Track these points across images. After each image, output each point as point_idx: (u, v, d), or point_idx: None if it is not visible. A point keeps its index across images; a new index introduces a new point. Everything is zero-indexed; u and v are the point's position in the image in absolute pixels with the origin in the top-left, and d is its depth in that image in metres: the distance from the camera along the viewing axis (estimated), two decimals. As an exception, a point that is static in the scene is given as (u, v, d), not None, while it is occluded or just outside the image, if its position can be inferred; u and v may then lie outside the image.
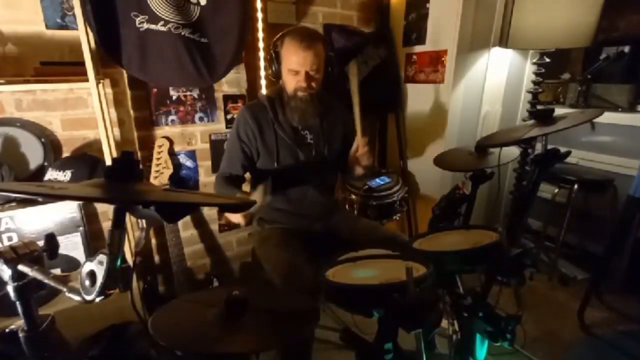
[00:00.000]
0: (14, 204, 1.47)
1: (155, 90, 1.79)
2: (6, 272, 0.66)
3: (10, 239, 1.47)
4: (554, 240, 2.32)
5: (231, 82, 1.99)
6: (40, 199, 1.45)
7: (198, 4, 1.70)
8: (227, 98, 2.00)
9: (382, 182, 2.16)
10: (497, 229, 1.06)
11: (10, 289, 0.67)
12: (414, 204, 2.50)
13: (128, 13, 1.55)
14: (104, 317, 1.55)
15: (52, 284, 0.65)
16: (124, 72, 1.68)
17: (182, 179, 1.96)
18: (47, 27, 1.51)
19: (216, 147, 2.02)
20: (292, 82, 1.39)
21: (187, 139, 1.95)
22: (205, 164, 2.03)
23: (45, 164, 1.56)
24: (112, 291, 0.62)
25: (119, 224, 0.63)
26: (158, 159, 1.78)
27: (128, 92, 1.74)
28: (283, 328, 0.82)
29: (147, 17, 1.59)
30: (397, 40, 2.40)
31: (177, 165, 1.93)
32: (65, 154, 1.65)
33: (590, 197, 2.27)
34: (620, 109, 2.28)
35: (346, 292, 0.86)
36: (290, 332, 0.82)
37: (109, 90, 1.69)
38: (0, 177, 1.42)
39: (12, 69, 1.46)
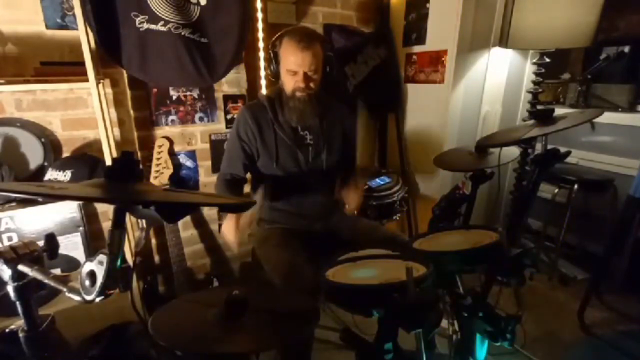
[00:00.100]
0: (14, 204, 1.47)
1: (155, 90, 1.79)
2: (6, 272, 0.66)
3: (10, 239, 1.47)
4: (554, 240, 2.32)
5: (231, 82, 1.99)
6: (40, 199, 1.45)
7: (198, 4, 1.70)
8: (227, 98, 2.00)
9: (382, 182, 2.16)
10: (497, 229, 1.06)
11: (10, 289, 0.67)
12: (414, 204, 2.50)
13: (128, 13, 1.56)
14: (104, 317, 1.55)
15: (52, 284, 0.65)
16: (124, 72, 1.68)
17: (182, 179, 1.96)
18: (47, 27, 1.51)
19: (216, 147, 2.02)
20: (290, 83, 1.39)
21: (187, 139, 1.95)
22: (205, 164, 2.03)
23: (45, 164, 1.56)
24: (112, 291, 0.62)
25: (119, 224, 0.63)
26: (158, 159, 1.78)
27: (128, 92, 1.74)
28: (283, 328, 0.82)
29: (147, 17, 1.59)
30: (397, 40, 2.40)
31: (177, 165, 1.93)
32: (65, 154, 1.65)
33: (590, 197, 2.27)
34: (620, 109, 2.28)
35: (346, 292, 0.85)
36: (290, 332, 0.82)
37: (109, 90, 1.69)
38: (0, 177, 1.42)
39: (12, 69, 1.46)
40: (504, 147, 1.39)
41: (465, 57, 2.12)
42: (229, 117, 2.01)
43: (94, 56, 1.48)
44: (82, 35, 1.41)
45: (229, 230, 1.35)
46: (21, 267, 0.66)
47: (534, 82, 2.16)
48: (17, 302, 0.68)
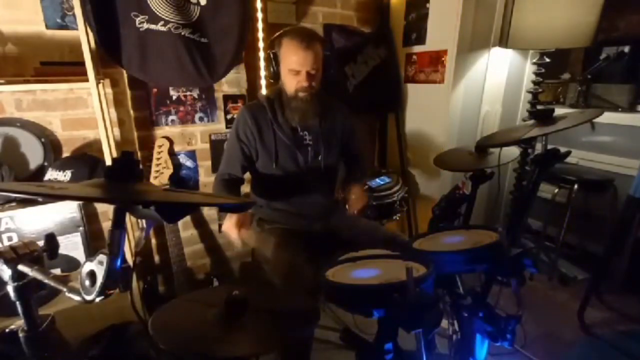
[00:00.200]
0: (14, 204, 1.47)
1: (155, 90, 1.79)
2: (6, 272, 0.66)
3: (10, 239, 1.47)
4: (554, 240, 2.32)
5: (231, 82, 1.99)
6: (40, 199, 1.45)
7: (198, 4, 1.70)
8: (227, 98, 2.00)
9: (382, 182, 2.16)
10: (497, 229, 1.06)
11: (10, 289, 0.67)
12: (414, 204, 2.50)
13: (128, 13, 1.55)
14: (104, 317, 1.55)
15: (52, 284, 0.65)
16: (124, 72, 1.68)
17: (182, 179, 1.96)
18: (47, 27, 1.51)
19: (216, 147, 2.02)
20: (292, 83, 1.39)
21: (187, 139, 1.95)
22: (205, 164, 2.03)
23: (45, 164, 1.56)
24: (112, 291, 0.62)
25: (119, 224, 0.63)
26: (158, 159, 1.78)
27: (128, 92, 1.74)
28: (283, 328, 0.82)
29: (147, 17, 1.59)
30: (397, 40, 2.40)
31: (177, 165, 1.93)
32: (65, 154, 1.65)
33: (590, 197, 2.27)
34: (620, 109, 2.28)
35: (346, 292, 0.86)
36: (290, 332, 0.82)
37: (109, 90, 1.69)
38: (0, 177, 1.42)
39: (12, 69, 1.46)
40: (504, 147, 1.39)
41: (465, 57, 2.12)
42: (229, 117, 2.01)
43: (94, 56, 1.48)
44: (82, 35, 1.41)
45: (230, 227, 1.34)
46: (21, 267, 0.66)
47: (534, 82, 2.16)
48: (17, 302, 0.68)
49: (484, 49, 2.17)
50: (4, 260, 0.65)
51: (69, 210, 1.59)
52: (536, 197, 1.42)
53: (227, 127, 2.02)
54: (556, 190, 2.28)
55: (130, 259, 1.35)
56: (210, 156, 2.03)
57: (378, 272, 0.92)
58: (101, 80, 1.54)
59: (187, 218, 2.06)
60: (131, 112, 1.77)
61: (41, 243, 0.72)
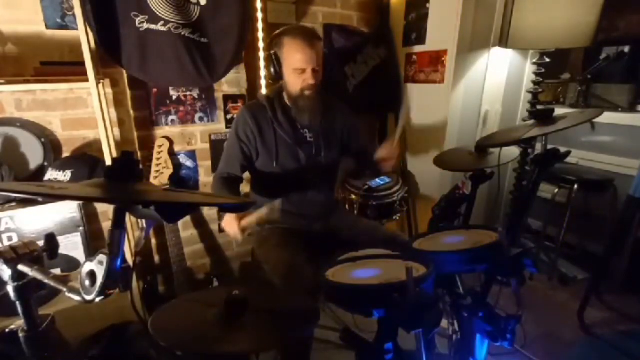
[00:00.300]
0: (14, 204, 1.47)
1: (155, 90, 1.79)
2: (6, 272, 0.66)
3: (10, 239, 1.47)
4: (554, 240, 2.32)
5: (231, 82, 1.99)
6: (40, 199, 1.45)
7: (198, 4, 1.70)
8: (227, 98, 2.00)
9: (382, 182, 2.16)
10: (497, 229, 1.06)
11: (10, 289, 0.67)
12: (414, 204, 2.50)
13: (128, 13, 1.55)
14: (104, 317, 1.55)
15: (52, 284, 0.65)
16: (124, 72, 1.68)
17: (182, 179, 1.96)
18: (47, 27, 1.51)
19: (216, 147, 2.02)
20: (297, 82, 1.38)
21: (187, 139, 1.95)
22: (205, 164, 2.03)
23: (45, 164, 1.56)
24: (112, 291, 0.62)
25: (119, 224, 0.63)
26: (158, 159, 1.78)
27: (128, 92, 1.74)
28: (283, 328, 0.82)
29: (147, 17, 1.59)
30: (397, 40, 2.40)
31: (177, 165, 1.93)
32: (65, 154, 1.65)
33: (590, 197, 2.27)
34: (620, 109, 2.28)
35: (346, 292, 0.85)
36: (290, 332, 0.82)
37: (109, 90, 1.69)
38: (0, 177, 1.42)
39: (12, 69, 1.46)
40: (504, 147, 1.39)
41: (465, 57, 2.12)
42: (229, 117, 2.01)
43: (94, 56, 1.48)
44: (82, 35, 1.41)
45: (230, 224, 1.33)
46: (21, 267, 0.66)
47: (534, 82, 2.16)
48: (17, 302, 0.68)
49: (484, 49, 2.17)
50: (4, 260, 0.65)
51: (69, 210, 1.59)
52: (536, 197, 1.42)
53: (227, 127, 2.02)
54: (556, 190, 2.28)
55: (130, 259, 1.35)
56: (210, 156, 2.03)
57: (378, 272, 0.92)
58: (101, 80, 1.54)
59: (187, 218, 2.06)
60: (131, 112, 1.77)
61: (41, 243, 0.72)
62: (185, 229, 2.03)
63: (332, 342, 1.75)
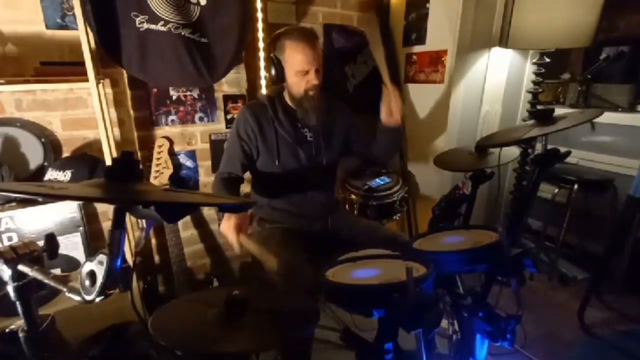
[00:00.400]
0: (14, 204, 1.47)
1: (155, 90, 1.79)
2: (6, 272, 0.66)
3: (10, 239, 1.47)
4: (554, 240, 2.32)
5: (231, 82, 1.99)
6: (40, 199, 1.45)
7: (198, 4, 1.70)
8: (227, 98, 2.00)
9: (382, 182, 2.16)
10: (497, 229, 1.06)
11: (10, 289, 0.67)
12: (414, 204, 2.50)
13: (128, 13, 1.56)
14: (104, 317, 1.55)
15: (52, 284, 0.65)
16: (124, 72, 1.68)
17: (182, 179, 1.96)
18: (47, 27, 1.51)
19: (216, 147, 2.02)
20: (301, 84, 1.38)
21: (187, 139, 1.95)
22: (205, 164, 2.03)
23: (45, 164, 1.56)
24: (112, 291, 0.62)
25: (119, 224, 0.63)
26: (158, 159, 1.78)
27: (128, 92, 1.74)
28: (283, 328, 0.82)
29: (147, 17, 1.59)
30: (397, 40, 2.40)
31: (177, 165, 1.93)
32: (65, 154, 1.65)
33: (590, 197, 2.27)
34: (620, 109, 2.28)
35: (346, 292, 0.85)
36: (290, 332, 0.82)
37: (109, 90, 1.69)
38: (0, 177, 1.42)
39: (12, 69, 1.46)
40: (504, 147, 1.39)
41: (465, 57, 2.12)
42: (229, 117, 2.01)
43: (94, 56, 1.48)
44: (82, 35, 1.41)
45: (227, 230, 1.33)
46: (21, 267, 0.66)
47: (534, 82, 2.16)
48: (17, 302, 0.68)
49: (484, 49, 2.17)
50: (4, 260, 0.65)
51: (69, 210, 1.59)
52: (536, 197, 1.42)
53: (227, 127, 2.02)
54: (556, 190, 2.28)
55: (130, 259, 1.34)
56: (210, 156, 2.03)
57: (378, 272, 0.92)
58: (101, 80, 1.54)
59: (187, 218, 2.06)
60: (131, 112, 1.77)
61: (41, 243, 0.72)
62: (185, 229, 2.03)
63: (332, 342, 1.75)
